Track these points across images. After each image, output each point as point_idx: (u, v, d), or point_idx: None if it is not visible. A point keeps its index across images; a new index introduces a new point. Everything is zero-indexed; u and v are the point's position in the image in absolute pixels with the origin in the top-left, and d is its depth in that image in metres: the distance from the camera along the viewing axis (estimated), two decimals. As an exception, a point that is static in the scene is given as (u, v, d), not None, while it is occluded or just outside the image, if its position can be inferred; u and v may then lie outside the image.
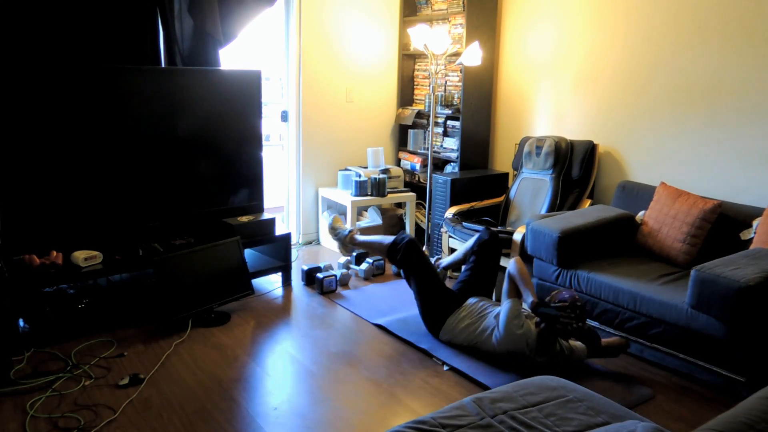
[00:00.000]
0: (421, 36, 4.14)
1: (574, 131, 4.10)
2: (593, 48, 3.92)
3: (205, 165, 3.71)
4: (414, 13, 4.88)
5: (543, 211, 3.83)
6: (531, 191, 3.97)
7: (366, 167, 4.72)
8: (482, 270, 3.17)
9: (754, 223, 3.00)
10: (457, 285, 3.18)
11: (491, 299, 3.13)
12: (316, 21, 4.51)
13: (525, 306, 2.80)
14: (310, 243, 4.85)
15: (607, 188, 3.94)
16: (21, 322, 3.01)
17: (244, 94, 3.80)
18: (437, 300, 3.05)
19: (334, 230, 3.64)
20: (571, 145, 3.92)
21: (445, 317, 3.01)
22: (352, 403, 2.54)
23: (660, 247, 3.20)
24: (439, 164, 4.76)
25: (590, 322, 3.13)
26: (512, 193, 4.08)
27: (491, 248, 3.20)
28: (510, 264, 2.88)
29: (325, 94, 4.67)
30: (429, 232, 4.46)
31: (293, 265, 4.05)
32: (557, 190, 3.84)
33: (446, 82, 4.70)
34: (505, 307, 2.79)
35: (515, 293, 2.83)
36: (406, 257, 3.16)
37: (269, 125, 5.51)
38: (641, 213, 3.42)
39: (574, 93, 4.07)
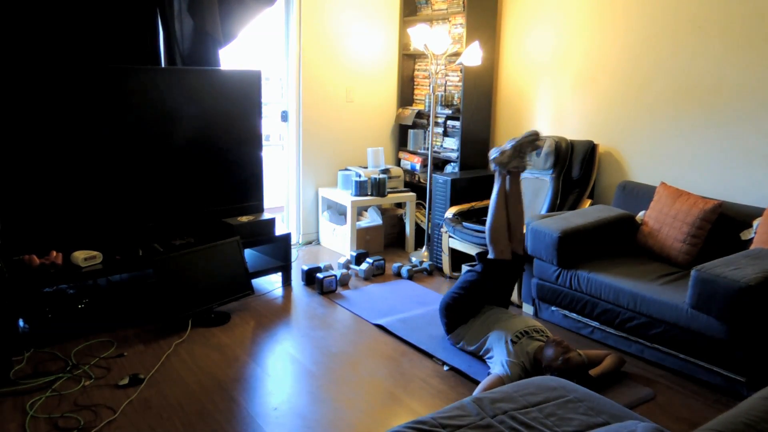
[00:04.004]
0: (421, 36, 4.14)
1: (574, 131, 4.10)
2: (593, 48, 3.92)
3: (205, 165, 3.71)
4: (414, 13, 4.87)
5: (543, 211, 3.83)
6: (531, 191, 3.97)
7: (366, 167, 4.72)
8: (495, 290, 3.06)
9: (755, 223, 2.99)
10: (468, 295, 3.02)
11: (506, 308, 3.10)
12: (316, 21, 4.51)
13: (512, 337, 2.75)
14: (310, 243, 4.85)
15: (607, 188, 3.93)
16: (21, 322, 3.01)
17: (244, 94, 3.80)
18: (466, 309, 2.98)
19: (523, 150, 3.08)
20: (571, 145, 3.91)
21: (458, 324, 2.99)
22: (352, 403, 2.54)
23: (660, 247, 3.20)
24: (439, 164, 4.76)
25: (591, 323, 3.13)
26: (512, 193, 4.08)
27: (509, 271, 3.08)
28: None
29: (325, 94, 4.67)
30: (429, 232, 4.46)
31: (293, 265, 4.05)
32: (557, 190, 3.84)
33: (446, 82, 4.70)
34: (499, 354, 2.71)
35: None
36: (498, 266, 3.00)
37: (269, 125, 5.51)
38: (641, 213, 3.42)
39: (574, 93, 4.07)
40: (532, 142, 3.06)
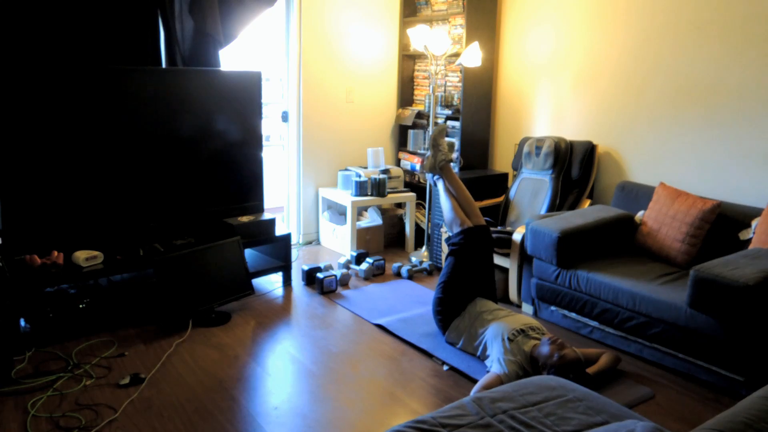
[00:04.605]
0: (420, 37, 4.15)
1: (573, 131, 4.10)
2: (593, 48, 3.92)
3: (206, 165, 3.71)
4: (414, 13, 4.88)
5: (543, 212, 3.84)
6: (531, 191, 3.98)
7: (366, 167, 4.73)
8: (473, 266, 3.09)
9: (753, 223, 3.00)
10: (455, 285, 3.09)
11: (494, 301, 3.12)
12: (316, 21, 4.52)
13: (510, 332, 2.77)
14: (310, 243, 4.86)
15: (607, 188, 3.94)
16: (22, 322, 3.02)
17: (245, 95, 3.80)
18: (454, 295, 3.03)
19: (436, 141, 3.34)
20: (571, 145, 3.92)
21: (452, 317, 3.02)
22: (352, 403, 2.55)
23: (659, 247, 3.21)
24: (439, 164, 4.77)
25: (590, 322, 3.14)
26: (512, 193, 4.09)
27: (478, 239, 3.12)
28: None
29: (325, 94, 4.68)
30: (429, 232, 4.47)
31: (293, 265, 4.05)
32: (557, 190, 3.85)
33: (446, 82, 4.71)
34: (496, 352, 2.72)
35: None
36: (467, 234, 3.09)
37: (269, 125, 5.51)
38: (640, 213, 3.43)
39: (573, 93, 4.08)
40: (440, 131, 3.36)
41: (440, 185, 3.33)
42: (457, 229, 3.15)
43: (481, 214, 3.27)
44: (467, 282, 3.06)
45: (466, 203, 3.27)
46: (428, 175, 3.40)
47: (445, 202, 3.26)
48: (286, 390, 2.64)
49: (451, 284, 3.05)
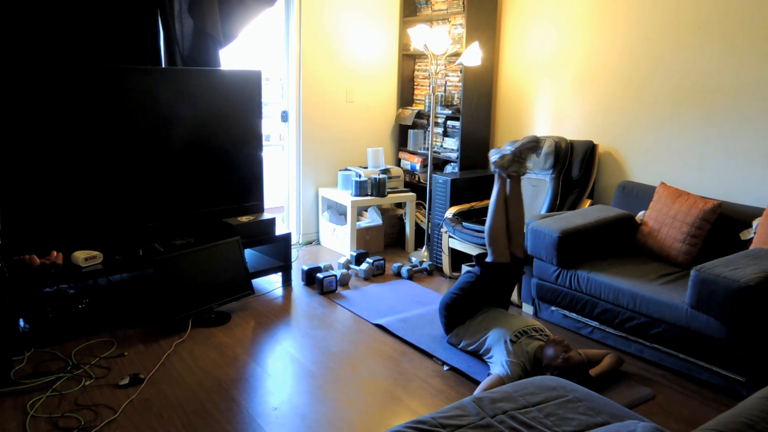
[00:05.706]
0: (421, 36, 4.14)
1: (574, 131, 4.10)
2: (593, 48, 3.92)
3: (206, 165, 3.71)
4: (414, 13, 4.88)
5: (543, 211, 3.84)
6: (531, 191, 3.97)
7: (366, 167, 4.73)
8: (491, 293, 3.04)
9: (754, 223, 3.00)
10: (468, 301, 3.02)
11: (505, 309, 3.10)
12: (316, 21, 4.51)
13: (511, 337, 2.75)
14: (310, 243, 4.85)
15: (607, 188, 3.94)
16: (21, 322, 3.02)
17: (244, 94, 3.80)
18: (464, 310, 2.99)
19: (522, 156, 3.02)
20: (571, 145, 3.92)
21: (457, 324, 3.00)
22: (352, 403, 2.54)
23: (660, 247, 3.21)
24: (439, 164, 4.76)
25: (590, 322, 3.13)
26: (512, 193, 4.08)
27: (506, 275, 3.06)
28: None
29: (325, 94, 4.67)
30: (429, 232, 4.46)
31: (293, 265, 4.05)
32: (557, 190, 3.84)
33: (446, 82, 4.70)
34: (499, 355, 2.71)
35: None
36: (496, 269, 2.99)
37: (269, 125, 5.51)
38: (641, 213, 3.43)
39: (574, 93, 4.07)
40: (531, 148, 3.03)
41: (497, 185, 3.07)
42: (490, 258, 3.01)
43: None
44: (481, 302, 3.01)
45: (514, 223, 3.05)
46: (493, 168, 3.09)
47: (491, 212, 3.02)
48: (286, 390, 2.63)
49: (464, 300, 2.98)
